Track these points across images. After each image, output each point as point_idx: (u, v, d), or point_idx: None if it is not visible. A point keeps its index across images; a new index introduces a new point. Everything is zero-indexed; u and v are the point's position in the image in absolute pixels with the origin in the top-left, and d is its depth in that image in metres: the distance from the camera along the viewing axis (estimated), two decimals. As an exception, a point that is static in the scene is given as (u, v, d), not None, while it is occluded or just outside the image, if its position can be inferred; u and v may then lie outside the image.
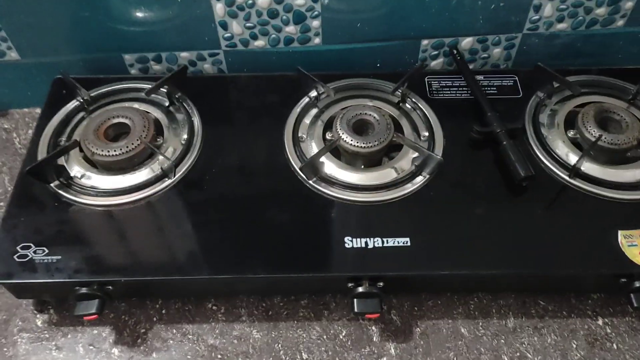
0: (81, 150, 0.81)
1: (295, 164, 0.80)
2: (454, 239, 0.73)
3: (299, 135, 0.84)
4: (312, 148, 0.82)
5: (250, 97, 0.90)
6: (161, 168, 0.79)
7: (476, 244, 0.73)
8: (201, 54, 0.94)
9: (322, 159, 0.80)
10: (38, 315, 0.80)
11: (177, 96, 0.88)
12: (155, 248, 0.73)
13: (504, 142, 0.79)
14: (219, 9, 0.86)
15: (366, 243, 0.73)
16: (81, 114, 0.88)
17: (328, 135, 0.84)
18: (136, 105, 0.88)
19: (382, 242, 0.73)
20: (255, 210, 0.76)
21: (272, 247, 0.73)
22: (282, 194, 0.78)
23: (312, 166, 0.77)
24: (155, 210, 0.77)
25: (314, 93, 0.88)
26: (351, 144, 0.78)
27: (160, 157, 0.79)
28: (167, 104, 0.88)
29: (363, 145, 0.78)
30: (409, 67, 0.97)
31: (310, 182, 0.78)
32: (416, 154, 0.79)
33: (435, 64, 0.97)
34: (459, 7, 0.87)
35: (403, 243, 0.73)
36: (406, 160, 0.80)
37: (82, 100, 0.88)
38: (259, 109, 0.88)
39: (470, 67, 0.96)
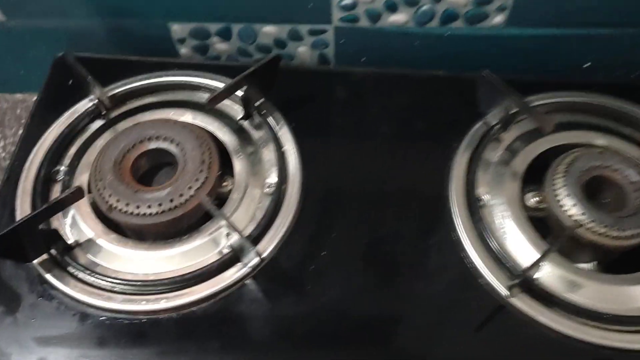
0: (90, 190, 0.46)
1: (474, 254, 0.43)
2: None
3: (477, 193, 0.46)
4: (502, 218, 0.45)
5: (382, 112, 0.53)
6: (231, 245, 0.43)
7: None
8: (296, 31, 0.57)
9: (519, 240, 0.43)
10: None
11: (257, 104, 0.51)
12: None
13: None
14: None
15: None
16: (97, 123, 0.52)
17: (532, 200, 0.46)
18: (189, 116, 0.51)
19: None
20: (397, 344, 0.40)
21: None
22: (452, 311, 0.42)
23: (525, 281, 0.40)
24: (213, 332, 0.41)
25: (493, 119, 0.50)
26: (597, 232, 0.41)
27: (226, 225, 0.42)
28: (240, 116, 0.52)
29: (617, 235, 0.41)
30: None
31: (506, 293, 0.41)
32: None
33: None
34: None
35: None
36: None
37: (96, 102, 0.52)
38: (399, 133, 0.52)
39: None
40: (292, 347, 0.41)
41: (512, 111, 0.48)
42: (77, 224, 0.46)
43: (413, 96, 0.54)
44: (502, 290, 0.41)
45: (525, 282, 0.40)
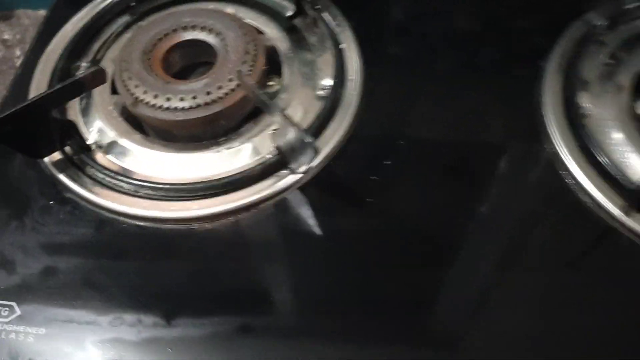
0: (114, 91, 0.39)
1: (576, 168, 0.35)
2: None
3: (577, 99, 0.38)
4: (610, 128, 0.37)
5: (461, 8, 0.45)
6: (277, 147, 0.36)
7: None
8: None
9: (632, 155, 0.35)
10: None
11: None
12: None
13: None
14: None
15: None
16: (124, 19, 0.45)
17: (645, 109, 0.38)
18: (229, 10, 0.44)
19: None
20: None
21: None
22: (549, 234, 0.34)
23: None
24: (254, 247, 0.34)
25: (596, 17, 0.41)
26: None
27: (276, 120, 0.35)
28: (290, 12, 0.44)
29: None
30: None
31: (619, 213, 0.33)
32: None
33: None
34: None
35: None
36: None
37: (125, -8, 0.45)
38: (482, 30, 0.44)
39: None
40: (351, 266, 0.33)
41: (628, 6, 0.39)
42: (97, 126, 0.39)
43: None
44: (614, 209, 0.33)
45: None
